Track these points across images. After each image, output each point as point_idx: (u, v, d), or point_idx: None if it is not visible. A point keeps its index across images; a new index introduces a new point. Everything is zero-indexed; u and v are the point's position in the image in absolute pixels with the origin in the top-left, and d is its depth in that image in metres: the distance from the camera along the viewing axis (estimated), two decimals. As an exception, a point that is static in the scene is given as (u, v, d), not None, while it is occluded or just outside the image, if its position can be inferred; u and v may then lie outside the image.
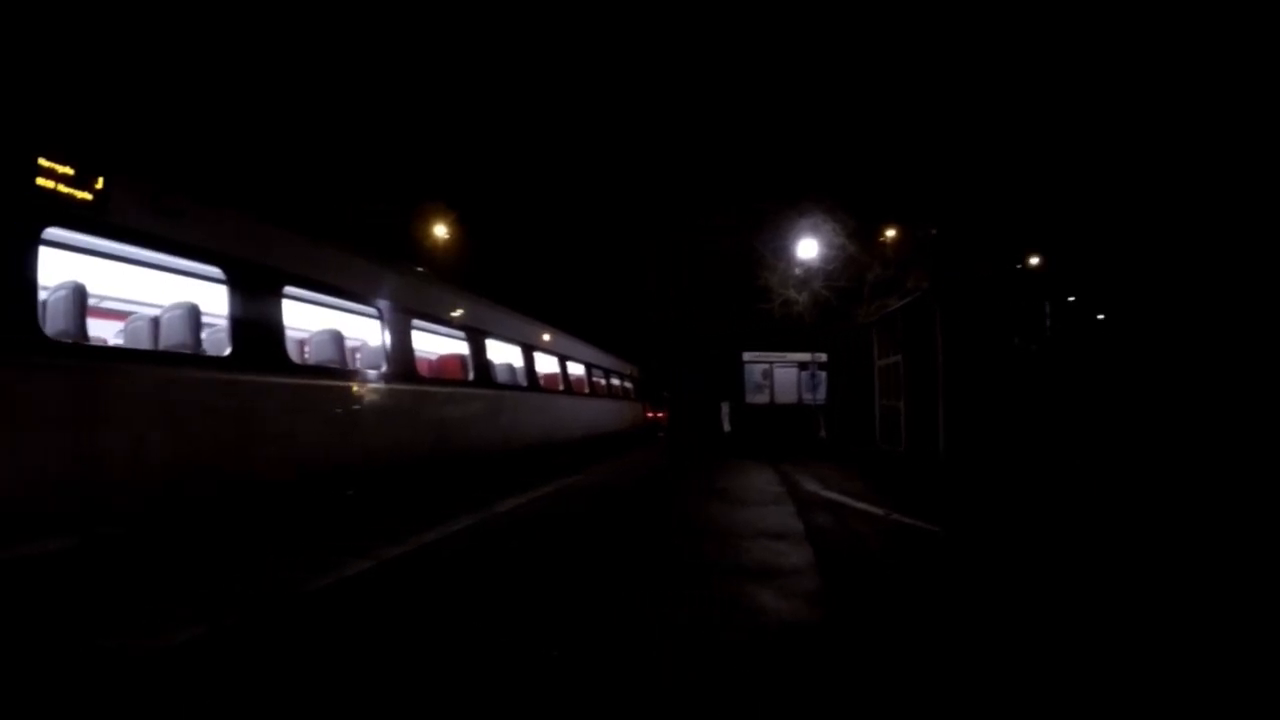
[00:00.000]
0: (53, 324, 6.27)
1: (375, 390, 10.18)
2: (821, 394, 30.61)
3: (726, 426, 31.91)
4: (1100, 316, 17.51)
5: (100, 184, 6.59)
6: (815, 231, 28.42)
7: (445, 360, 13.55)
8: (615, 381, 26.82)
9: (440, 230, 34.54)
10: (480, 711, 3.74)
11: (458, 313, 13.09)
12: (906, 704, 3.89)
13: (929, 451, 15.68)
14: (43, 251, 6.07)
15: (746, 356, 33.30)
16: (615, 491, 12.62)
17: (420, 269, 14.79)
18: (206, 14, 34.51)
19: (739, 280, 34.37)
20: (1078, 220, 36.19)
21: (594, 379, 23.34)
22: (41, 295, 6.11)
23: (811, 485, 12.90)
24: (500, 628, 4.98)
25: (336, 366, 9.60)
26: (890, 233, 29.66)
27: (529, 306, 18.13)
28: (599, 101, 56.45)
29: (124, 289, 8.30)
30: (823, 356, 30.71)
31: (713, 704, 3.80)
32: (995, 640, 4.79)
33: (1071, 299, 16.87)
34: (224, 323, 7.99)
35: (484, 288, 16.36)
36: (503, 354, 15.32)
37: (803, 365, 32.08)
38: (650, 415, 33.23)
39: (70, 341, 6.41)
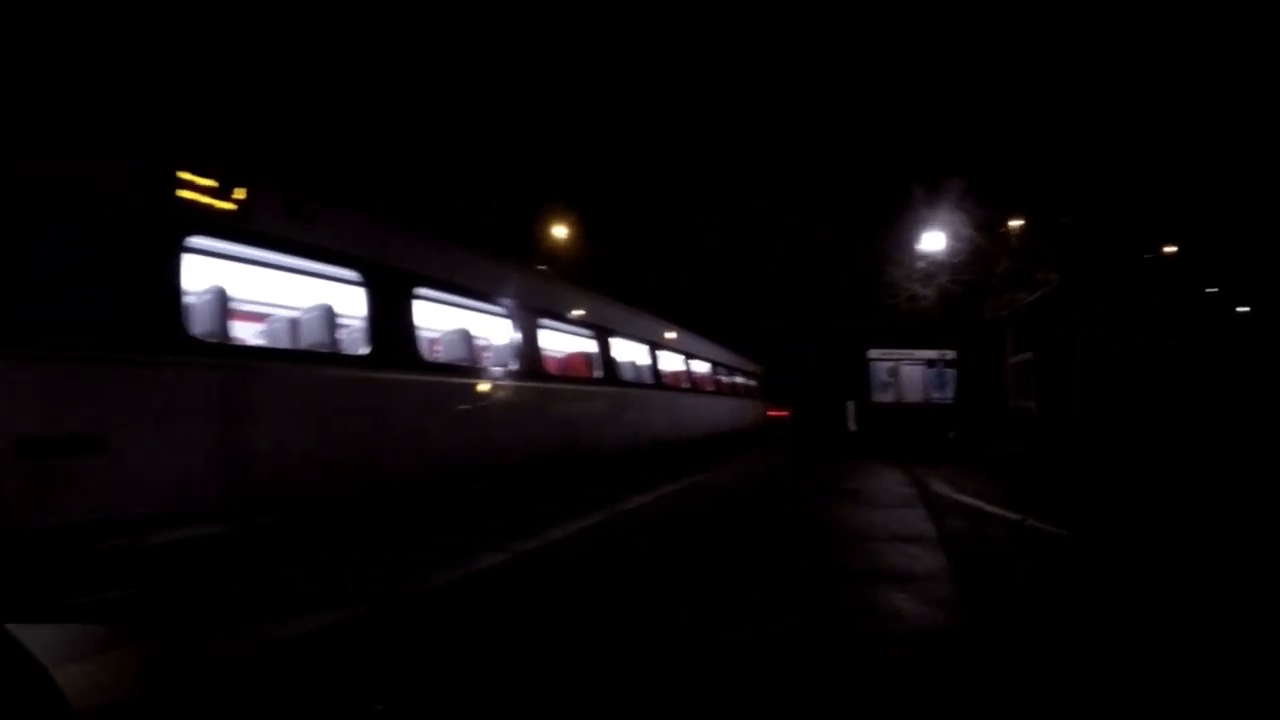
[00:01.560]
0: (198, 325, 6.44)
1: (504, 388, 10.17)
2: (950, 393, 29.52)
3: (852, 426, 31.03)
4: (1242, 309, 16.27)
5: (241, 194, 6.79)
6: (941, 223, 27.31)
7: (572, 358, 13.52)
8: (738, 379, 26.37)
9: (560, 230, 34.37)
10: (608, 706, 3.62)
11: (583, 311, 13.02)
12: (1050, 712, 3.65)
13: (1064, 453, 14.78)
14: (188, 258, 6.29)
15: (873, 354, 32.26)
16: (742, 491, 12.36)
17: (543, 268, 14.88)
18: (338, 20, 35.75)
19: (864, 276, 33.42)
20: (1215, 207, 33.79)
21: (717, 376, 23.01)
22: (188, 299, 6.30)
23: (942, 488, 12.34)
24: (633, 628, 4.84)
25: (466, 365, 9.65)
26: (1019, 223, 28.15)
27: (649, 303, 17.99)
28: (714, 85, 55.44)
29: (263, 292, 8.51)
30: (951, 354, 29.62)
31: (856, 709, 3.62)
32: (1136, 659, 4.37)
33: (1212, 290, 15.77)
34: (360, 323, 8.15)
35: (602, 285, 16.34)
36: (628, 352, 15.21)
37: (930, 363, 30.97)
38: (772, 414, 32.53)
39: (215, 342, 6.59)
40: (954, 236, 27.62)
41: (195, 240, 6.40)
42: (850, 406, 31.51)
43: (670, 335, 18.23)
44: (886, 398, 31.87)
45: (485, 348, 10.64)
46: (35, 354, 5.07)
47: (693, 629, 4.75)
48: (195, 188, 6.41)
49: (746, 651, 4.36)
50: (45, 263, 5.22)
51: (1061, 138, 33.64)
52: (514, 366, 10.51)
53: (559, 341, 12.97)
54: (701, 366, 21.18)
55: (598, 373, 13.37)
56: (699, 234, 41.87)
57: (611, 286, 17.46)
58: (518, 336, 10.68)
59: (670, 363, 18.21)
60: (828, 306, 37.12)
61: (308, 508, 7.08)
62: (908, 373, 32.01)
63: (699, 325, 21.72)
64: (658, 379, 16.74)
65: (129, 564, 5.38)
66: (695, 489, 12.24)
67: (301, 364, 7.46)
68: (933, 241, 27.66)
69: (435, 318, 9.61)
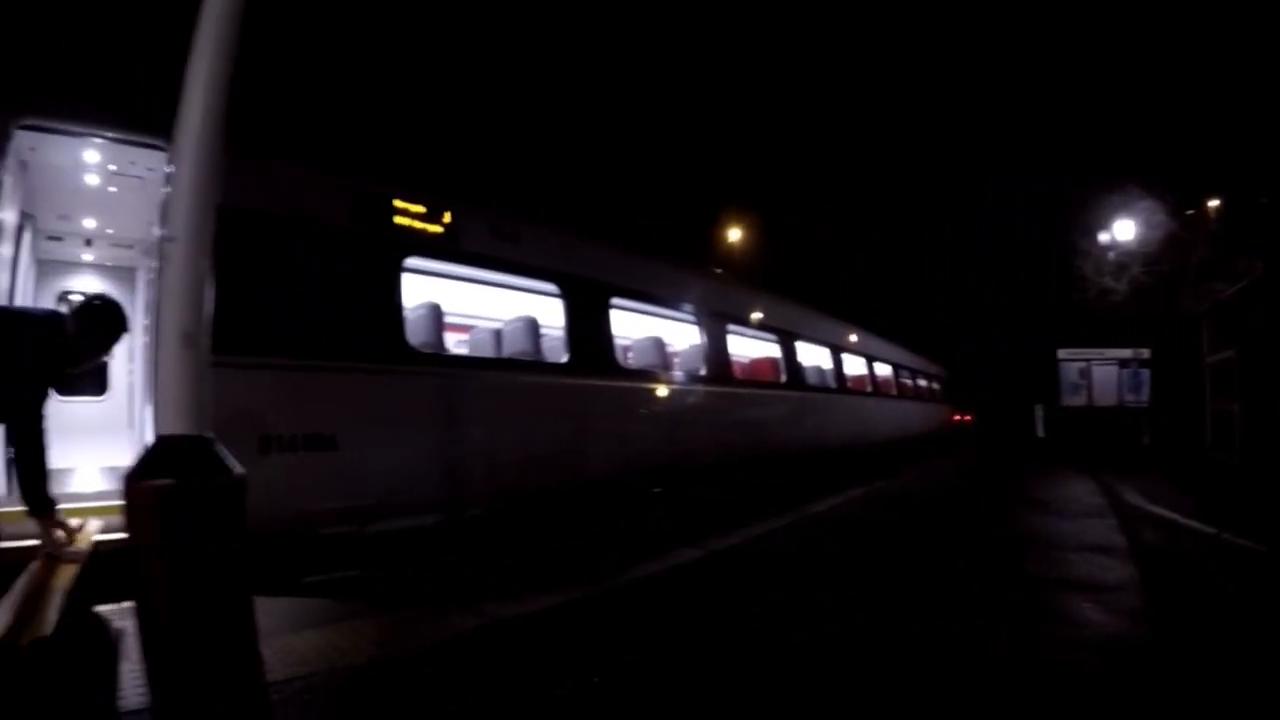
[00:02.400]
0: (415, 337, 6.79)
1: (692, 393, 10.20)
2: (1145, 394, 27.24)
3: (1040, 431, 29.15)
4: None
5: (448, 217, 7.21)
6: (1132, 209, 25.09)
7: (756, 362, 13.36)
8: (921, 383, 25.29)
9: (735, 233, 33.41)
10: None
11: (767, 316, 12.87)
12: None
13: (1271, 462, 13.20)
14: (404, 277, 6.73)
15: (1061, 354, 29.90)
16: (926, 497, 11.80)
17: (719, 271, 14.85)
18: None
19: (1050, 270, 31.28)
20: None
21: (900, 380, 22.16)
22: (405, 313, 6.69)
23: (1135, 498, 11.36)
24: (826, 626, 4.71)
25: (657, 371, 9.71)
26: (1215, 203, 25.25)
27: (825, 305, 17.57)
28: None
29: (471, 305, 8.87)
30: (1145, 352, 27.34)
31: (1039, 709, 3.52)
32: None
33: None
34: (559, 332, 8.38)
35: (782, 288, 16.10)
36: (811, 355, 14.89)
37: (1123, 363, 28.48)
38: (957, 418, 30.99)
39: (429, 352, 6.94)
40: (1146, 223, 25.35)
41: (410, 261, 6.84)
42: (1039, 410, 29.63)
43: (853, 338, 17.73)
44: (1077, 400, 29.52)
45: (674, 354, 10.69)
46: (274, 364, 5.54)
47: (888, 626, 4.60)
48: (408, 214, 6.89)
49: (944, 647, 4.22)
50: (280, 285, 5.69)
51: (1258, 106, 29.82)
52: (702, 372, 10.51)
53: (744, 346, 12.79)
54: (884, 370, 20.46)
55: (782, 377, 13.19)
56: (881, 234, 40.31)
57: (785, 289, 17.09)
58: (704, 342, 10.68)
59: (853, 366, 17.66)
60: (1014, 304, 34.92)
61: (511, 502, 7.42)
62: (1099, 374, 29.48)
63: (879, 326, 21.04)
64: (841, 383, 16.31)
65: (354, 548, 5.83)
66: (880, 494, 11.79)
67: (507, 371, 7.80)
68: (1123, 229, 25.51)
69: (628, 325, 9.73)
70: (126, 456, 6.71)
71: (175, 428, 2.68)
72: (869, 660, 4.01)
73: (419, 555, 6.15)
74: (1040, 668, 3.94)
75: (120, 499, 2.55)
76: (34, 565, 3.56)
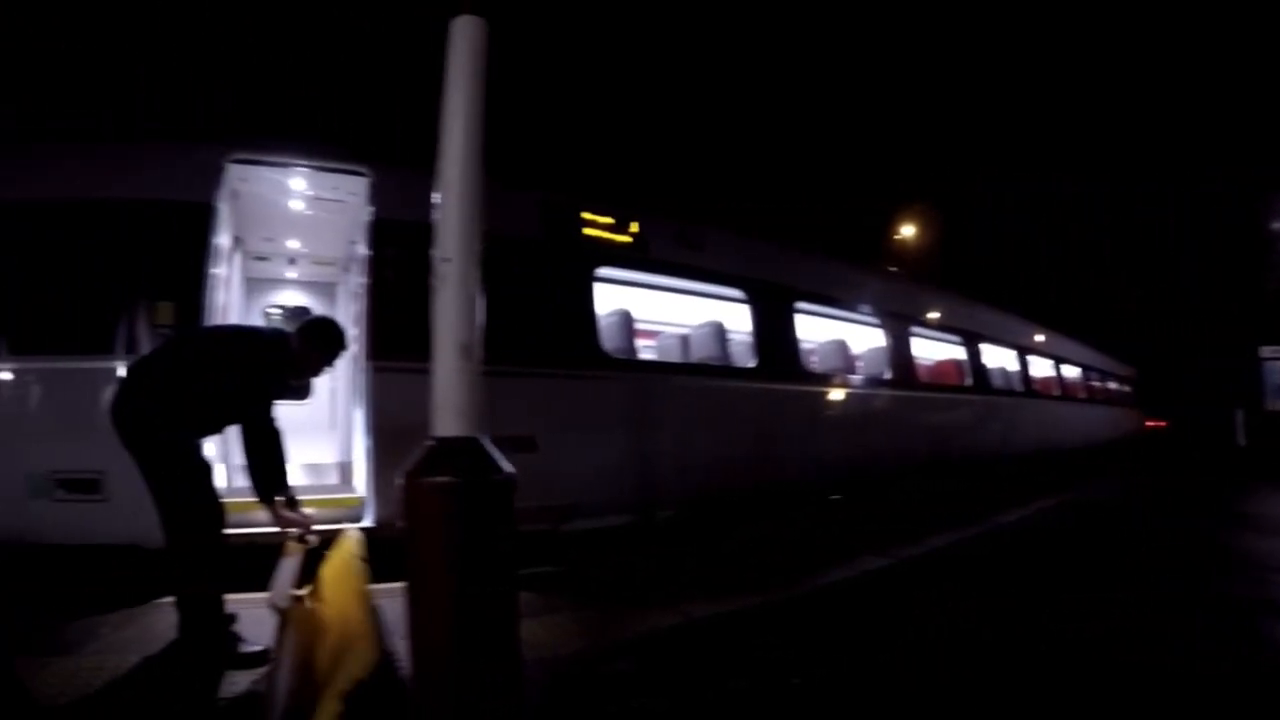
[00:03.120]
0: (608, 343, 6.86)
1: (876, 397, 9.86)
2: (1362, 397, 24.43)
3: (1241, 439, 26.48)
4: None
5: (636, 227, 7.30)
6: None
7: (941, 365, 12.72)
8: (1111, 386, 23.47)
9: (911, 229, 31.92)
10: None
11: (949, 316, 12.28)
12: None
13: None
14: (596, 285, 6.86)
15: (1265, 353, 27.30)
16: (1121, 510, 10.84)
17: (895, 270, 14.36)
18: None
19: (1249, 262, 28.54)
20: None
21: (1089, 382, 20.70)
22: (598, 320, 6.82)
23: None
24: (1021, 642, 4.40)
25: (842, 375, 9.42)
26: None
27: (998, 298, 16.61)
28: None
29: (660, 311, 8.83)
30: (1362, 349, 24.55)
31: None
32: None
33: None
34: (745, 337, 8.28)
35: (957, 284, 15.40)
36: (996, 357, 14.05)
37: (1334, 360, 25.76)
38: (1149, 424, 28.58)
39: (622, 357, 7.01)
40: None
41: (601, 270, 6.97)
42: (1239, 415, 26.95)
43: (1039, 339, 16.68)
44: (1284, 405, 26.76)
45: (857, 357, 10.36)
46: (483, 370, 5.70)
47: (1084, 643, 4.31)
48: (597, 225, 7.03)
49: (1139, 660, 4.02)
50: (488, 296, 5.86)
51: None
52: (885, 375, 10.13)
53: (928, 348, 12.22)
54: (1072, 372, 19.13)
55: (966, 380, 12.54)
56: (1077, 234, 37.83)
57: (963, 286, 16.25)
58: (888, 345, 10.29)
59: (1039, 368, 16.62)
60: (1210, 300, 31.99)
61: (699, 505, 7.38)
62: (1308, 374, 26.65)
63: (1067, 325, 19.73)
64: (1027, 386, 15.32)
65: (551, 546, 5.93)
66: (1071, 505, 10.93)
67: (695, 375, 7.77)
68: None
69: (811, 329, 9.45)
70: (328, 454, 7.30)
71: (452, 430, 2.84)
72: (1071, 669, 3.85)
73: (613, 554, 6.20)
74: (1244, 690, 3.66)
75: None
76: (294, 548, 3.78)
